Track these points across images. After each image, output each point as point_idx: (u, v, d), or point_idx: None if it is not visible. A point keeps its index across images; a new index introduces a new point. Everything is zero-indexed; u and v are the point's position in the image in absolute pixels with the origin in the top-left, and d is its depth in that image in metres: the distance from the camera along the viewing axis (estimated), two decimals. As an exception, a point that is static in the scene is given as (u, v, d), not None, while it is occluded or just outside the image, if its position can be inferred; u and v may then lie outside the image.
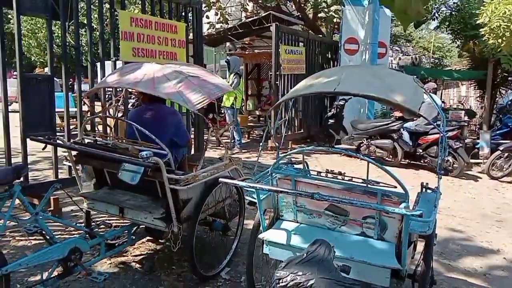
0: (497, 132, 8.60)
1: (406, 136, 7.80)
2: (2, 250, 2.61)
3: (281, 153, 3.03)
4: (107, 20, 6.67)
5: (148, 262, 3.60)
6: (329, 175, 2.71)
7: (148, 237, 3.81)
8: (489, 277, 3.72)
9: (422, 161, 7.76)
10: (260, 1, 12.92)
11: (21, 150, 4.42)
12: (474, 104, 15.22)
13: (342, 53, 10.53)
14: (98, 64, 5.34)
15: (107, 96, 6.03)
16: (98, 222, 3.66)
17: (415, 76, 2.90)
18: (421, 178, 6.04)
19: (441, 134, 2.77)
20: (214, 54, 17.48)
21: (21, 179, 3.58)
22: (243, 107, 12.23)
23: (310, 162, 7.33)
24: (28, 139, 4.18)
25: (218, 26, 13.28)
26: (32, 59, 23.63)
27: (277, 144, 3.28)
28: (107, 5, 6.07)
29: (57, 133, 4.45)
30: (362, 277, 2.28)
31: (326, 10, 12.30)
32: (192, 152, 6.24)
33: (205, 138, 6.49)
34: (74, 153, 3.35)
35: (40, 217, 2.80)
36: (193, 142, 6.46)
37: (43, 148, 3.35)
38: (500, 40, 6.86)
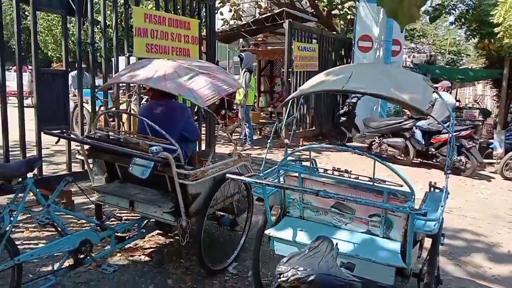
0: (512, 132, 8.47)
1: (418, 134, 7.74)
2: (15, 241, 2.69)
3: (289, 150, 3.05)
4: (121, 16, 6.74)
5: (157, 255, 3.65)
6: (336, 172, 2.72)
7: (157, 231, 3.86)
8: (498, 278, 3.69)
9: (434, 160, 7.70)
10: (274, -2, 12.92)
11: (35, 143, 4.52)
12: (490, 103, 15.00)
13: (355, 50, 10.46)
14: (113, 60, 5.41)
15: (120, 91, 6.10)
16: (109, 215, 3.73)
17: (425, 76, 2.89)
18: (432, 177, 5.99)
19: (450, 134, 2.76)
20: (227, 51, 17.51)
21: (35, 171, 3.67)
22: (256, 104, 12.25)
23: (321, 160, 7.33)
24: (42, 133, 4.27)
25: (231, 22, 13.30)
26: (49, 54, 24.01)
27: (286, 141, 3.30)
28: (121, 1, 6.13)
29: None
30: (367, 275, 2.29)
31: (340, 7, 12.23)
32: (204, 147, 6.31)
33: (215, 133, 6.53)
34: (86, 147, 3.42)
35: (52, 209, 2.86)
36: (204, 138, 6.53)
37: (56, 142, 3.43)
38: (514, 39, 6.77)
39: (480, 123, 8.20)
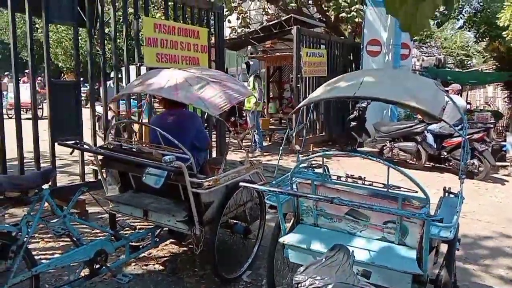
0: (525, 134, 8.37)
1: (430, 138, 7.68)
2: (31, 252, 2.72)
3: (301, 157, 3.05)
4: (131, 26, 6.82)
5: (171, 264, 3.67)
6: (349, 179, 2.71)
7: (171, 240, 3.88)
8: (515, 283, 3.64)
9: (446, 164, 7.63)
10: (281, 4, 12.95)
11: (49, 154, 4.58)
12: (502, 105, 14.85)
13: (364, 55, 10.44)
14: (123, 70, 5.47)
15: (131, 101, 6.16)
16: (123, 225, 3.75)
17: (434, 79, 2.88)
18: (445, 182, 5.96)
19: (463, 138, 2.74)
20: (236, 58, 17.59)
21: (50, 182, 3.71)
22: (265, 110, 12.26)
23: (332, 165, 7.30)
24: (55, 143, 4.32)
25: (239, 30, 13.36)
26: (59, 65, 24.43)
27: (298, 147, 3.30)
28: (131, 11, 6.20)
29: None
30: (383, 282, 2.27)
31: (347, 10, 12.23)
32: (214, 155, 6.32)
33: (226, 141, 6.55)
34: (100, 157, 3.46)
35: (68, 220, 2.89)
36: (214, 145, 6.55)
37: (71, 153, 3.47)
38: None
39: (492, 126, 8.12)
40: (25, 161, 4.44)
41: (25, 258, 2.56)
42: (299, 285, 1.44)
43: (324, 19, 12.95)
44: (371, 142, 8.54)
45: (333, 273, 1.47)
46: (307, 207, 2.73)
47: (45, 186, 2.86)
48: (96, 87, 9.15)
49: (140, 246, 3.49)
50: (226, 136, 6.91)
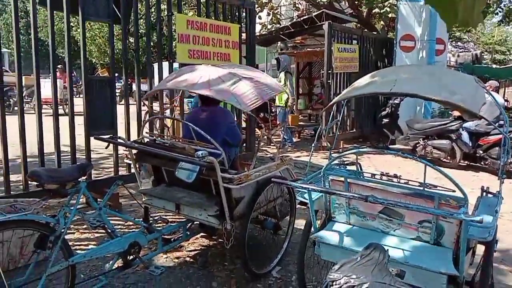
0: None
1: (465, 136, 7.45)
2: (68, 242, 2.80)
3: (333, 154, 3.02)
4: (164, 23, 6.92)
5: (202, 257, 3.71)
6: (384, 177, 2.66)
7: (202, 233, 3.93)
8: (556, 287, 3.49)
9: (482, 163, 7.37)
10: (312, 0, 12.83)
11: (85, 149, 4.71)
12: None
13: (397, 51, 10.23)
14: (156, 65, 5.56)
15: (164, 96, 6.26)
16: (155, 218, 3.82)
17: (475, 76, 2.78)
18: (481, 181, 5.77)
19: (503, 136, 2.64)
20: (266, 53, 17.56)
21: (86, 176, 3.82)
22: (294, 106, 12.19)
23: (362, 162, 7.17)
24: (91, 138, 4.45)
25: (269, 26, 13.33)
26: (93, 61, 25.20)
27: (329, 144, 3.27)
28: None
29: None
30: (418, 283, 2.22)
31: (380, 5, 11.99)
32: (245, 151, 6.35)
33: (256, 136, 6.56)
34: (134, 151, 3.53)
35: (103, 212, 2.97)
36: (244, 141, 6.57)
37: (106, 147, 3.56)
38: None
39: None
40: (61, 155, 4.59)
41: (62, 249, 2.63)
42: (334, 283, 1.43)
43: (356, 14, 12.74)
44: (403, 139, 8.36)
45: (369, 272, 1.45)
46: (339, 204, 2.71)
47: (83, 180, 2.93)
48: (129, 83, 9.35)
49: (172, 239, 3.55)
50: (257, 132, 6.92)
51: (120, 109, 5.04)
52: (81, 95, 5.59)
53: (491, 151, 7.10)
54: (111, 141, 3.40)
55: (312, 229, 2.73)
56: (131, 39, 11.26)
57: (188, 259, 3.71)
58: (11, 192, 4.26)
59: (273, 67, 16.93)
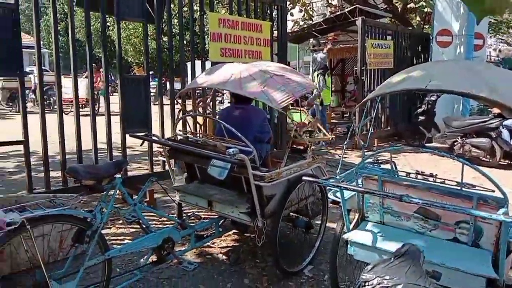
0: None
1: (506, 134, 7.16)
2: (104, 237, 2.88)
3: (366, 152, 2.96)
4: (197, 22, 6.99)
5: (234, 254, 3.73)
6: (419, 176, 2.59)
7: (234, 230, 3.95)
8: None
9: (524, 162, 7.08)
10: (346, -5, 12.65)
11: (121, 146, 4.84)
12: None
13: (434, 46, 9.92)
14: (189, 64, 5.63)
15: (196, 94, 6.33)
16: (189, 214, 3.88)
17: None
18: (523, 181, 5.52)
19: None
20: (298, 51, 17.46)
21: (121, 172, 3.92)
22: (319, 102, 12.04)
23: (398, 161, 7.04)
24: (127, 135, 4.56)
25: (301, 23, 13.23)
26: (129, 61, 25.89)
27: (362, 142, 3.21)
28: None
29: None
30: (454, 285, 2.16)
31: (416, 0, 11.69)
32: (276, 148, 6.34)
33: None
34: (168, 148, 3.59)
35: (138, 208, 3.03)
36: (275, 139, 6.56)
37: (141, 144, 3.64)
38: None
39: None
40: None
41: (99, 243, 2.71)
42: (367, 283, 1.40)
43: (391, 9, 12.46)
44: (440, 137, 8.11)
45: (403, 273, 1.41)
46: (372, 203, 2.65)
47: (118, 176, 3.01)
48: (163, 82, 9.53)
49: (205, 236, 3.59)
50: (289, 130, 6.89)
51: (154, 107, 5.14)
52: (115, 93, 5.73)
53: (534, 149, 6.79)
54: (145, 138, 3.48)
55: (345, 228, 2.69)
56: (165, 38, 11.54)
57: (220, 255, 3.75)
58: (51, 188, 4.43)
59: (305, 65, 16.83)
